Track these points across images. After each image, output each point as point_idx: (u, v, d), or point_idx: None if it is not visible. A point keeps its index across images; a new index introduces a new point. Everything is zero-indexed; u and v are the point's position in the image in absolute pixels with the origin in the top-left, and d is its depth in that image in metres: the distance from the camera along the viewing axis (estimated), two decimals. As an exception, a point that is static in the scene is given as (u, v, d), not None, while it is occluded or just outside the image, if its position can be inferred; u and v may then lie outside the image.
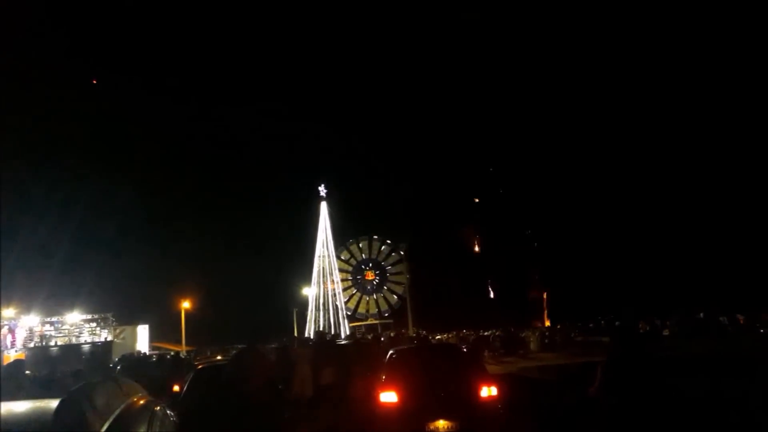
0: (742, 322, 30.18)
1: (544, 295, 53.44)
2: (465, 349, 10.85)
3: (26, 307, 38.23)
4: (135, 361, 18.44)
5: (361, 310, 77.63)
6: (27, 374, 9.85)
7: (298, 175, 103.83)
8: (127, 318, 43.25)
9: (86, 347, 36.85)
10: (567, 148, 65.81)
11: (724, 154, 55.00)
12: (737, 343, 21.08)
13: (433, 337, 42.96)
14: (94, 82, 58.28)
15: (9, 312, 37.18)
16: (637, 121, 62.64)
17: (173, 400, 8.53)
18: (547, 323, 48.77)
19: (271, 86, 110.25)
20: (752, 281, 40.18)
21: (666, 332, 32.97)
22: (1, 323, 35.60)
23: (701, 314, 34.26)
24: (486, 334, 41.91)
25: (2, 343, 34.84)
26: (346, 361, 11.49)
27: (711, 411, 7.47)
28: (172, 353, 32.81)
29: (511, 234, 67.45)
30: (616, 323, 33.92)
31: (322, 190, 66.83)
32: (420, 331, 49.69)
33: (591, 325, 38.54)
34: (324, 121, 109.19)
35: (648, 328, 32.31)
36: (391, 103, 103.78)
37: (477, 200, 69.22)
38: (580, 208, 59.55)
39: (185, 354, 31.80)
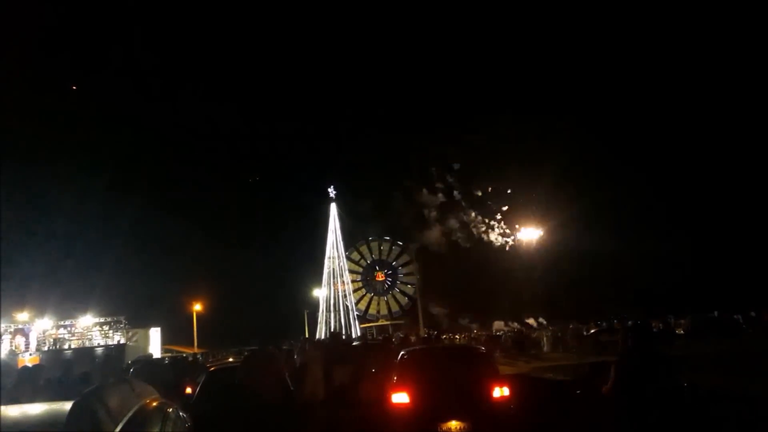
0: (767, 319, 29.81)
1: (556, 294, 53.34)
2: (483, 349, 10.80)
3: (40, 311, 38.56)
4: (148, 363, 18.51)
5: (372, 311, 77.54)
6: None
7: (308, 177, 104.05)
8: (140, 321, 43.53)
9: (99, 350, 37.14)
10: (578, 140, 65.31)
11: (741, 148, 54.56)
12: (752, 341, 20.89)
13: (448, 336, 42.96)
14: (74, 88, 58.38)
15: (23, 316, 37.51)
16: (655, 113, 62.11)
17: (186, 402, 8.54)
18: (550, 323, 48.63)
19: (280, 87, 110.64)
20: (766, 279, 39.81)
21: (680, 331, 32.75)
22: (9, 327, 35.91)
23: (715, 313, 33.99)
24: (498, 334, 41.87)
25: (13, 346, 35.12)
26: (358, 362, 11.46)
27: (725, 410, 7.40)
28: (185, 355, 32.99)
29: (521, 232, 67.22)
30: (629, 322, 33.67)
31: (332, 191, 66.95)
32: (431, 332, 49.59)
33: (603, 324, 38.30)
34: (333, 122, 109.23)
35: (661, 327, 32.09)
36: (399, 102, 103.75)
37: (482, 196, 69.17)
38: (591, 204, 59.17)
39: (200, 356, 31.93)
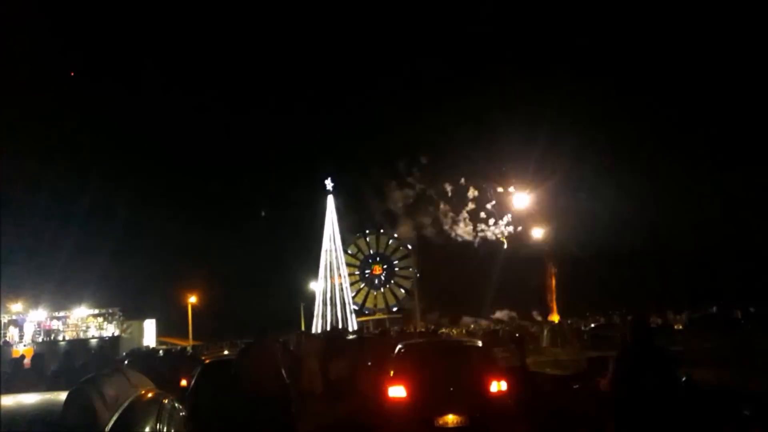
0: None
1: (554, 289, 53.39)
2: (480, 343, 10.79)
3: (34, 302, 38.52)
4: (142, 355, 18.54)
5: (369, 304, 77.58)
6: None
7: (305, 168, 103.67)
8: (134, 313, 43.49)
9: (94, 342, 37.13)
10: (574, 134, 65.26)
11: (738, 138, 54.44)
12: (751, 337, 20.92)
13: (447, 331, 43.06)
14: (72, 74, 57.97)
15: (17, 306, 37.46)
16: (649, 103, 61.83)
17: (181, 395, 8.52)
18: (557, 317, 48.72)
19: (277, 78, 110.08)
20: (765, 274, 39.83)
21: (678, 326, 32.85)
22: (2, 318, 35.91)
23: (714, 308, 34.03)
24: (495, 328, 41.94)
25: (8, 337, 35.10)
26: (355, 356, 11.47)
27: (723, 405, 7.40)
28: (180, 347, 32.98)
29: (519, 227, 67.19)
30: (629, 317, 33.78)
31: (329, 183, 66.81)
32: (429, 326, 49.66)
33: (601, 319, 38.42)
34: (330, 114, 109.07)
35: (660, 322, 32.19)
36: (397, 95, 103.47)
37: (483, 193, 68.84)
38: (588, 198, 59.10)
39: (198, 348, 31.92)
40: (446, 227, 68.67)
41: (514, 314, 57.05)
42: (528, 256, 55.05)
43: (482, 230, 65.63)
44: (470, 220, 67.02)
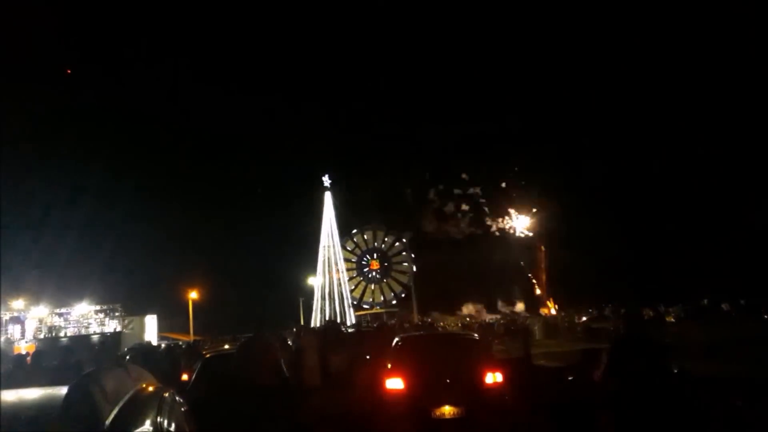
0: None
1: (546, 282, 53.61)
2: (476, 336, 10.89)
3: (35, 299, 38.53)
4: (144, 350, 18.57)
5: (367, 298, 77.88)
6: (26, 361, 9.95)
7: (303, 165, 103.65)
8: (135, 308, 43.54)
9: (95, 338, 37.23)
10: (570, 132, 65.33)
11: (730, 141, 54.57)
12: (741, 328, 21.07)
13: (443, 324, 43.23)
14: (69, 72, 57.71)
15: (18, 303, 37.49)
16: (641, 108, 62.04)
17: (181, 389, 8.59)
18: (550, 310, 48.86)
19: (275, 74, 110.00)
20: (756, 267, 40.02)
21: (670, 319, 33.03)
22: (4, 315, 35.92)
23: (705, 300, 34.26)
24: (490, 321, 42.14)
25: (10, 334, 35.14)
26: (353, 349, 11.53)
27: (715, 397, 7.49)
28: (180, 342, 33.07)
29: (515, 221, 67.13)
30: (622, 310, 33.97)
31: (326, 180, 66.96)
32: (425, 319, 49.89)
33: (594, 311, 38.66)
34: (328, 110, 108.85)
35: (652, 315, 32.34)
36: (394, 90, 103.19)
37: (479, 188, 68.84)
38: (582, 194, 59.21)
39: (199, 343, 31.98)
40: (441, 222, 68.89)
41: (513, 308, 57.40)
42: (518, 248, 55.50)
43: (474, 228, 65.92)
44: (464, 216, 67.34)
